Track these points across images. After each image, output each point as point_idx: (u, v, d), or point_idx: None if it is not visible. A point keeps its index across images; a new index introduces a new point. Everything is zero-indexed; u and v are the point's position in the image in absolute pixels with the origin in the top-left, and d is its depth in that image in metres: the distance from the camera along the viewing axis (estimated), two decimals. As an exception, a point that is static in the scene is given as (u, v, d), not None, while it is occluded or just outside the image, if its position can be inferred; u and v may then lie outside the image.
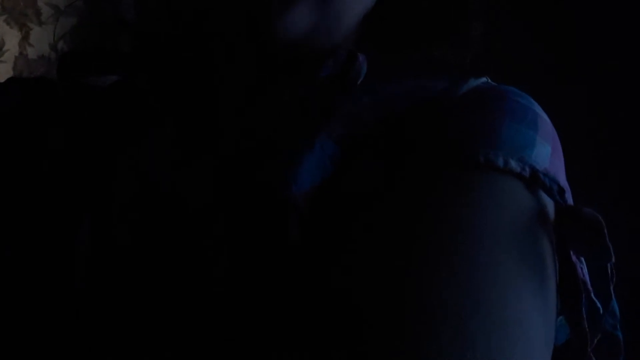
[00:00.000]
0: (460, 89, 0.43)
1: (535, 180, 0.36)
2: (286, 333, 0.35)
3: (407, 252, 0.33)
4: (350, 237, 0.36)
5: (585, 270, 0.37)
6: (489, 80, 0.45)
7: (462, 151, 0.37)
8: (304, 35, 0.42)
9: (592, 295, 0.36)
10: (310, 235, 0.37)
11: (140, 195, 0.41)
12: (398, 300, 0.31)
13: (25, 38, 1.59)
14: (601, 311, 0.36)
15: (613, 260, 0.34)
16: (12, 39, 1.56)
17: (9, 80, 0.52)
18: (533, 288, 0.33)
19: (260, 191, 0.38)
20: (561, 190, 0.37)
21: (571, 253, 0.36)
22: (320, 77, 0.44)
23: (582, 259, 0.37)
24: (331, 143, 0.40)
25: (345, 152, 0.40)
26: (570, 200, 0.38)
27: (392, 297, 0.32)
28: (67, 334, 0.37)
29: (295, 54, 0.44)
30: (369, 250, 0.35)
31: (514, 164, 0.36)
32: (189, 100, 0.46)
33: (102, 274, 0.38)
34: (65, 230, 0.40)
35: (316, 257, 0.36)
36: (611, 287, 0.36)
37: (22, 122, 0.46)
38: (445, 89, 0.43)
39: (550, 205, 0.37)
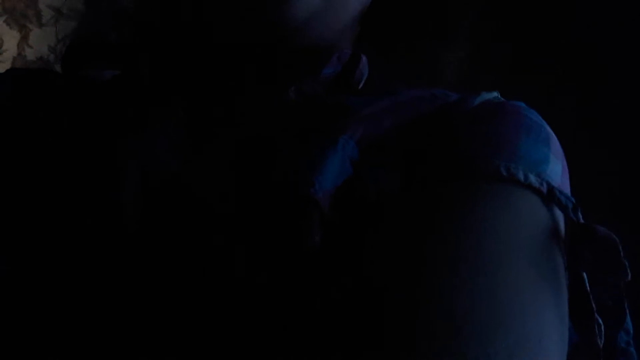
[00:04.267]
0: (474, 101, 0.44)
1: (552, 197, 0.37)
2: (298, 336, 0.34)
3: (434, 264, 0.33)
4: (371, 245, 0.36)
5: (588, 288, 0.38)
6: (499, 96, 0.46)
7: (484, 162, 0.37)
8: (308, 20, 0.43)
9: (595, 313, 0.37)
10: (329, 238, 0.36)
11: (147, 182, 0.40)
12: (420, 316, 0.31)
13: (24, 39, 1.58)
14: (602, 327, 0.36)
15: (629, 277, 0.35)
16: (11, 39, 1.56)
17: (7, 71, 0.51)
18: (551, 304, 0.34)
19: (281, 188, 0.38)
20: (575, 208, 0.37)
21: (581, 274, 0.37)
22: (323, 75, 0.45)
23: (585, 275, 0.38)
24: (353, 144, 0.40)
25: (364, 155, 0.40)
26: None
27: (413, 314, 0.32)
28: (68, 328, 0.37)
29: (298, 41, 0.44)
30: (389, 261, 0.35)
31: (533, 178, 0.37)
32: (194, 90, 0.45)
33: (109, 267, 0.37)
34: (70, 220, 0.39)
35: (334, 263, 0.36)
36: (625, 305, 0.36)
37: (16, 113, 0.46)
38: (459, 99, 0.44)
39: (562, 221, 0.38)
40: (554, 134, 0.42)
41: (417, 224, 0.36)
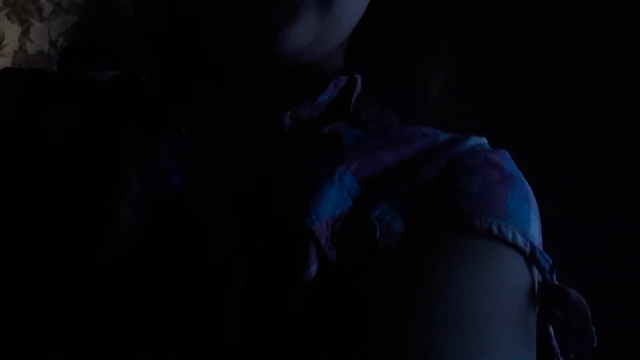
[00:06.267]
0: (465, 144, 0.45)
1: (533, 257, 0.39)
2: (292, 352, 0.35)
3: (419, 319, 0.35)
4: (368, 292, 0.37)
5: (555, 343, 0.39)
6: (486, 142, 0.46)
7: (478, 220, 0.39)
8: (306, 46, 0.42)
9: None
10: (325, 270, 0.37)
11: (148, 196, 0.40)
12: None
13: (25, 33, 1.59)
14: None
15: (595, 344, 0.36)
16: (12, 33, 1.56)
17: (4, 70, 0.51)
18: (529, 358, 0.36)
19: (278, 217, 0.38)
20: (552, 269, 0.39)
21: (549, 328, 0.38)
22: (320, 101, 0.45)
23: (552, 330, 0.39)
24: (350, 175, 0.41)
25: (363, 188, 0.40)
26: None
27: None
28: (63, 332, 0.37)
29: (295, 63, 0.44)
30: (382, 314, 0.36)
31: (520, 239, 0.39)
32: (193, 102, 0.45)
33: (105, 275, 0.38)
34: (69, 226, 0.39)
35: (330, 297, 0.37)
36: None
37: (23, 113, 0.45)
38: (449, 141, 0.45)
39: (537, 280, 0.39)
40: (530, 188, 0.43)
41: (414, 277, 0.37)
